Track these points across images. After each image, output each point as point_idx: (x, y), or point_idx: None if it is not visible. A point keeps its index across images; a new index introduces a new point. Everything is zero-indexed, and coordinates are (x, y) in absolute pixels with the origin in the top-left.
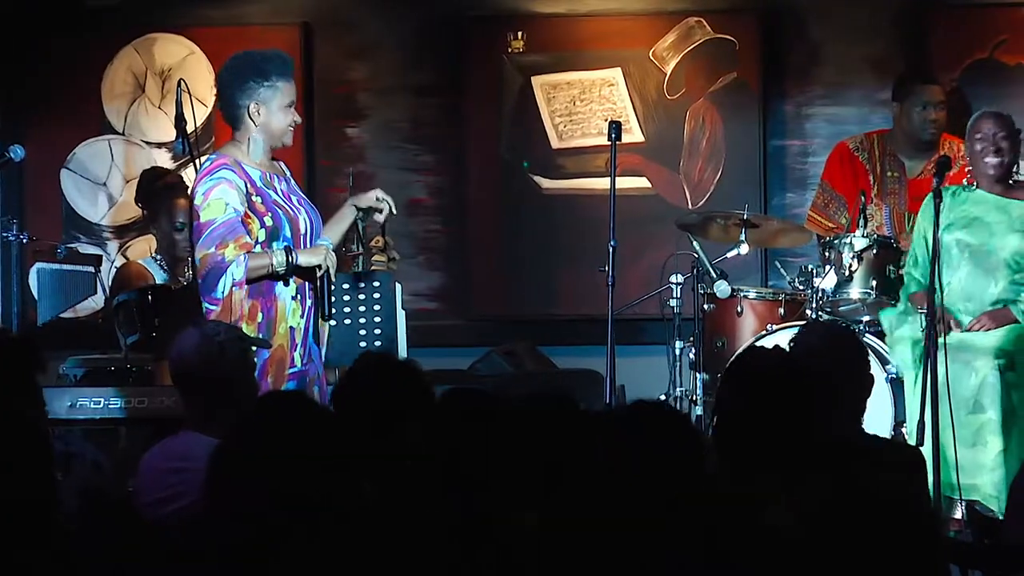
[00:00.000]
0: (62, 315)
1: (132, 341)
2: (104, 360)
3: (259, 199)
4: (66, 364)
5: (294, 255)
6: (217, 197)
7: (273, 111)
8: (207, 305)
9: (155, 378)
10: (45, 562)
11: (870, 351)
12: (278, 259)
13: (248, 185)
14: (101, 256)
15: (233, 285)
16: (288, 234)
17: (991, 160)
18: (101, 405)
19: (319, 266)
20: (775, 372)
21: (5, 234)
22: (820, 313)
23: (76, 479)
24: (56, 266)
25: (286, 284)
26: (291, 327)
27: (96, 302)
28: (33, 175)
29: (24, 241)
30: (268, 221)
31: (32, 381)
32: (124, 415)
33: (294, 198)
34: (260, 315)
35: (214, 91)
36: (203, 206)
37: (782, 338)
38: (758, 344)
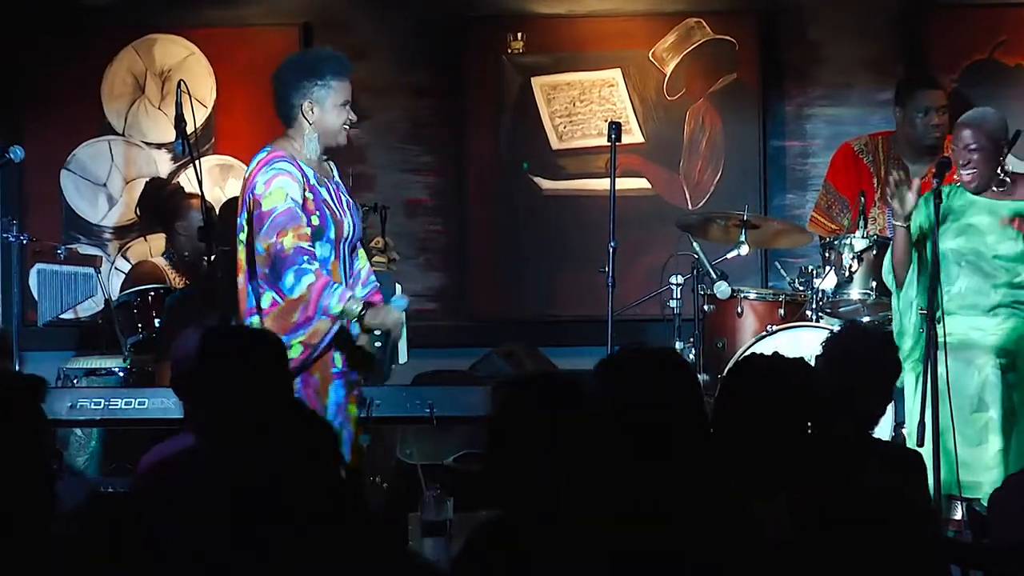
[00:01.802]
0: (63, 316)
1: (133, 342)
2: (105, 361)
3: (311, 196)
4: (67, 365)
5: (364, 314)
6: (278, 186)
7: (327, 110)
8: (274, 295)
9: (156, 379)
10: (43, 561)
11: None
12: (353, 310)
13: (303, 180)
14: (101, 257)
15: (319, 312)
16: (332, 236)
17: (963, 172)
18: (101, 406)
19: (375, 328)
20: (776, 379)
21: (5, 235)
22: (820, 314)
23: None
24: (56, 267)
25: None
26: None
27: (97, 303)
28: (33, 176)
29: (24, 242)
30: (315, 220)
31: (37, 419)
32: (124, 416)
33: (343, 198)
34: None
35: (214, 93)
36: (264, 195)
37: (782, 339)
38: (757, 351)
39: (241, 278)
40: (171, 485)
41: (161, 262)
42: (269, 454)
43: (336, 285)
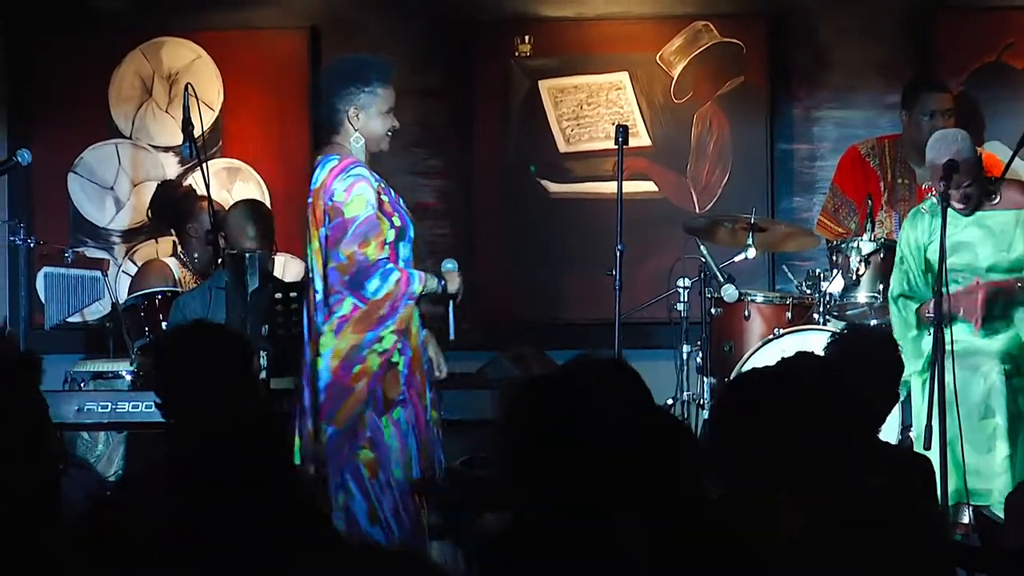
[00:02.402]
0: (70, 319)
1: (140, 345)
2: (112, 364)
3: (386, 198)
4: (74, 368)
5: (445, 282)
6: (359, 193)
7: (372, 116)
8: (355, 301)
9: None
10: (49, 563)
11: None
12: (433, 284)
13: (377, 184)
14: (108, 260)
15: (407, 298)
16: (411, 235)
17: (958, 205)
18: (108, 409)
19: (456, 292)
20: (784, 379)
21: (13, 238)
22: (827, 317)
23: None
24: (64, 270)
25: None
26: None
27: (104, 306)
28: (40, 179)
29: (32, 245)
30: (396, 221)
31: (35, 394)
32: (132, 420)
33: (400, 200)
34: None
35: (221, 96)
36: (346, 202)
37: (789, 342)
38: (763, 356)
39: (319, 291)
40: (152, 489)
41: (172, 263)
42: (224, 454)
43: (413, 272)
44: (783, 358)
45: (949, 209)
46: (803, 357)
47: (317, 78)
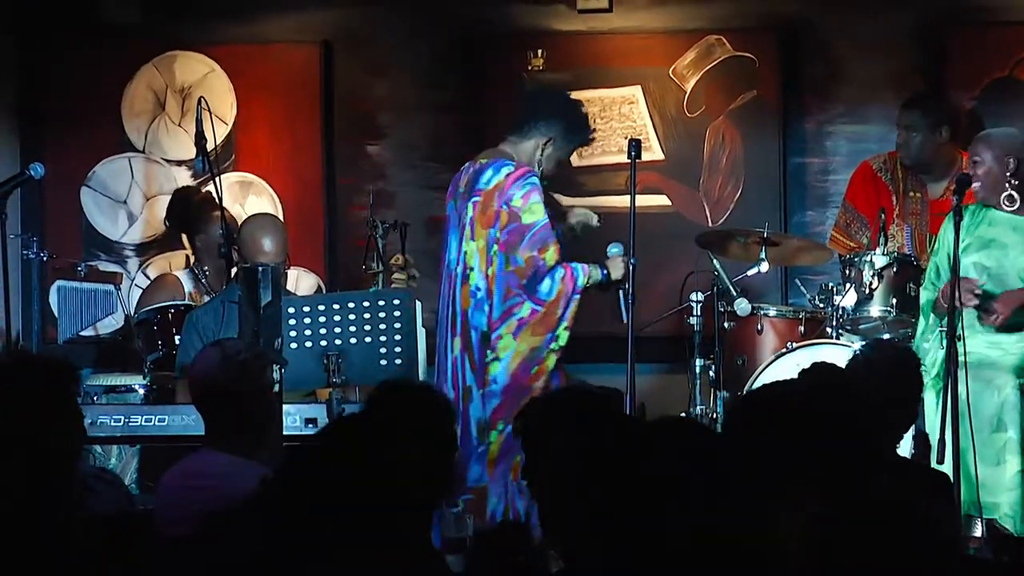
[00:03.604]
0: (83, 333)
1: (153, 359)
2: (125, 378)
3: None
4: (87, 382)
5: (608, 271)
6: (536, 201)
7: (546, 159)
8: (532, 305)
9: (176, 396)
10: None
11: None
12: (596, 275)
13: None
14: (121, 274)
15: (575, 293)
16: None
17: (972, 184)
18: (121, 423)
19: (621, 278)
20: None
21: (25, 252)
22: (840, 331)
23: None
24: (76, 284)
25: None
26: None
27: (117, 320)
28: (53, 193)
29: (44, 259)
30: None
31: (70, 402)
32: (144, 434)
33: None
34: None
35: (234, 110)
36: (524, 208)
37: (802, 356)
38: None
39: (482, 288)
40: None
41: (183, 276)
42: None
43: (576, 266)
44: (803, 369)
45: (989, 209)
46: (820, 368)
47: (330, 91)
